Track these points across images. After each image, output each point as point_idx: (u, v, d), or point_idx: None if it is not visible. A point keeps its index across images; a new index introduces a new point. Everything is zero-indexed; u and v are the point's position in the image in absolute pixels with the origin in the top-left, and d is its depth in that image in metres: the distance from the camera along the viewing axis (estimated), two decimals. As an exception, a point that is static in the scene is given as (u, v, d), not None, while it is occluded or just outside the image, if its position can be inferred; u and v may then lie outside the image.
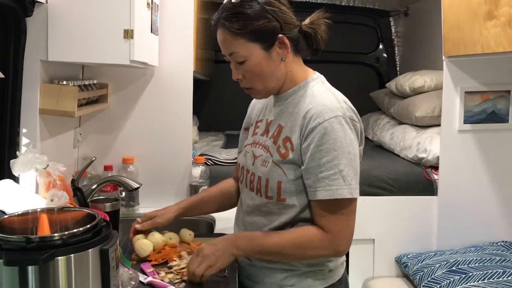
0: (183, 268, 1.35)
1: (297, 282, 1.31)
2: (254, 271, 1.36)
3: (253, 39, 1.23)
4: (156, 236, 1.52)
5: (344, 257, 1.38)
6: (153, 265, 1.40)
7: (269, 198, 1.30)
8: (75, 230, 1.02)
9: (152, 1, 1.86)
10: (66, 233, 1.01)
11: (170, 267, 1.38)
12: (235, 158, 2.43)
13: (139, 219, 1.55)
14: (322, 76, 1.36)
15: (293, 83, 1.32)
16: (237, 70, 1.29)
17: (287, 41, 1.26)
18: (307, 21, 1.31)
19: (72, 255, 0.98)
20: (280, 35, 1.25)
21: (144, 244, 1.47)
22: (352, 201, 1.23)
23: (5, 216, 1.13)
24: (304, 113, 1.24)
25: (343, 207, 1.22)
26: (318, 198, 1.21)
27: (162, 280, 1.30)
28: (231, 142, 3.32)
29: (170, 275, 1.34)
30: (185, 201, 1.61)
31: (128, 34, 1.60)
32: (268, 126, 1.35)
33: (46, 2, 1.60)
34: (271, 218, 1.31)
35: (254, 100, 1.52)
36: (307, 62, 1.38)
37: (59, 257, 0.96)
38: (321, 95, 1.26)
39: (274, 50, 1.26)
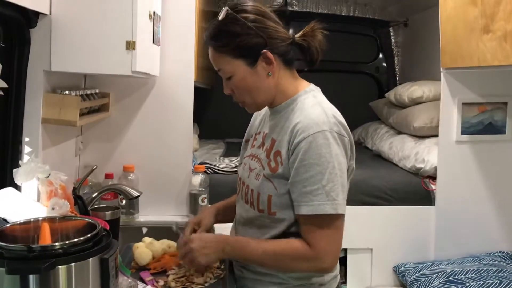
0: (181, 276, 1.36)
1: None
2: (246, 283, 1.37)
3: (237, 56, 1.26)
4: (155, 245, 1.54)
5: (337, 271, 1.38)
6: (152, 274, 1.42)
7: (261, 212, 1.30)
8: (75, 240, 1.04)
9: (154, 12, 1.89)
10: (67, 242, 1.03)
11: (169, 276, 1.40)
12: (235, 167, 2.45)
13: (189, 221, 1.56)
14: (316, 89, 1.36)
15: (285, 96, 1.32)
16: (227, 86, 1.32)
17: (271, 56, 1.26)
18: (300, 33, 1.32)
19: (72, 264, 1.00)
20: (264, 51, 1.26)
21: (144, 253, 1.50)
22: (337, 216, 1.21)
23: (7, 225, 1.15)
24: (292, 127, 1.25)
25: (327, 223, 1.21)
26: (301, 213, 1.21)
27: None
28: (231, 150, 3.34)
29: (169, 283, 1.35)
30: (220, 203, 1.61)
31: (130, 45, 1.62)
32: (264, 139, 1.36)
33: (50, 14, 1.63)
34: (264, 231, 1.31)
35: (255, 113, 1.53)
36: (307, 72, 1.37)
37: (60, 266, 0.98)
38: (309, 109, 1.26)
39: (259, 65, 1.27)
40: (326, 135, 1.20)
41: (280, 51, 1.29)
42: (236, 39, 1.25)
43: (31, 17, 1.59)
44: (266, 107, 1.41)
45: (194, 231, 1.51)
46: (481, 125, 2.34)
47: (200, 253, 1.27)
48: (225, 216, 1.57)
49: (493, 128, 2.35)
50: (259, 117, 1.49)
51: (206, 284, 1.35)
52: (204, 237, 1.34)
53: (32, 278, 0.96)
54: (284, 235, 1.29)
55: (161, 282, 1.36)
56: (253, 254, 1.27)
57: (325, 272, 1.30)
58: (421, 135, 2.70)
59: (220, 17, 1.27)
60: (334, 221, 1.21)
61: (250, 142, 1.46)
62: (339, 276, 1.40)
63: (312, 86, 1.36)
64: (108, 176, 2.13)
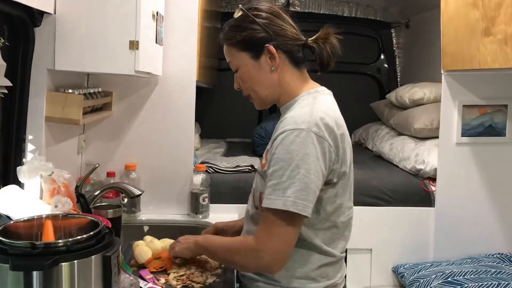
0: (182, 275, 1.38)
1: None
2: (244, 281, 1.39)
3: (242, 49, 1.32)
4: (155, 243, 1.56)
5: (338, 279, 1.35)
6: (152, 272, 1.44)
7: (256, 208, 1.34)
8: (79, 237, 1.05)
9: (157, 12, 1.90)
10: (70, 239, 1.04)
11: (169, 274, 1.41)
12: (236, 167, 2.46)
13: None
14: (323, 91, 1.35)
15: (289, 96, 1.34)
16: (236, 80, 1.38)
17: (273, 51, 1.30)
18: (313, 37, 1.34)
19: (75, 261, 1.01)
20: (267, 45, 1.30)
21: (143, 251, 1.51)
22: (289, 215, 1.18)
23: (11, 222, 1.17)
24: (279, 124, 1.29)
25: (272, 219, 1.19)
26: (261, 204, 1.24)
27: (162, 287, 1.33)
28: (232, 149, 3.35)
29: (170, 282, 1.37)
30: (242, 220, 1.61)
31: (134, 45, 1.64)
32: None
33: (55, 13, 1.64)
34: None
35: None
36: (310, 72, 1.39)
37: (63, 263, 0.99)
38: (299, 108, 1.27)
39: (263, 59, 1.31)
40: (300, 133, 1.19)
41: (287, 48, 1.32)
42: (242, 33, 1.31)
43: (36, 16, 1.60)
44: None
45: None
46: (481, 127, 2.35)
47: (178, 242, 1.45)
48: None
49: (493, 131, 2.36)
50: None
51: (206, 283, 1.37)
52: (186, 235, 1.49)
53: (35, 274, 0.97)
54: None
55: (162, 280, 1.38)
56: (212, 246, 1.36)
57: (267, 272, 1.28)
58: (421, 137, 2.71)
59: (235, 15, 1.35)
60: (285, 218, 1.19)
61: None
62: (341, 285, 1.37)
63: (319, 88, 1.36)
64: (110, 174, 2.15)
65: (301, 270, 1.29)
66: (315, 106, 1.27)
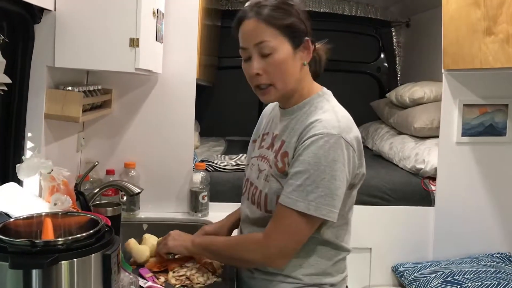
0: (182, 275, 1.37)
1: None
2: (255, 284, 1.38)
3: (285, 33, 1.25)
4: (151, 240, 1.55)
5: (346, 272, 1.39)
6: (152, 271, 1.43)
7: (269, 212, 1.31)
8: (78, 235, 1.05)
9: (157, 10, 1.89)
10: (70, 238, 1.04)
11: (169, 273, 1.40)
12: (236, 165, 2.46)
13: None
14: (328, 92, 1.37)
15: (300, 96, 1.33)
16: (259, 64, 1.26)
17: (311, 46, 1.30)
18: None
19: (75, 259, 1.01)
20: (306, 38, 1.29)
21: (140, 251, 1.50)
22: (306, 217, 1.20)
23: (11, 220, 1.16)
24: (302, 129, 1.26)
25: (291, 218, 1.20)
26: (279, 201, 1.23)
27: (161, 285, 1.33)
28: (232, 148, 3.35)
29: (169, 281, 1.36)
30: (232, 217, 1.63)
31: (134, 42, 1.63)
32: (274, 140, 1.37)
33: (54, 10, 1.63)
34: None
35: (263, 113, 1.54)
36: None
37: (62, 261, 0.99)
38: (325, 113, 1.27)
39: (300, 51, 1.29)
40: (329, 139, 1.20)
41: (314, 46, 1.34)
42: (290, 18, 1.26)
43: (36, 13, 1.59)
44: (276, 108, 1.43)
45: None
46: (481, 126, 2.35)
47: (171, 238, 1.42)
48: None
49: (494, 130, 2.36)
50: (266, 117, 1.50)
51: (206, 284, 1.36)
52: (178, 231, 1.46)
53: (35, 272, 0.97)
54: None
55: (162, 279, 1.37)
56: (213, 244, 1.35)
57: (269, 264, 1.29)
58: (421, 136, 2.71)
59: None
60: (303, 219, 1.20)
61: (258, 142, 1.47)
62: (347, 279, 1.41)
63: (324, 89, 1.38)
64: (109, 172, 2.14)
65: (319, 266, 1.31)
66: (336, 110, 1.29)
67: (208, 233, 1.57)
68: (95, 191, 1.77)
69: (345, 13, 3.81)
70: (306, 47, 1.29)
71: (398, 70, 3.98)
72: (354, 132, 1.26)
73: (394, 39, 3.97)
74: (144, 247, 1.52)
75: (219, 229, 1.59)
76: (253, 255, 1.27)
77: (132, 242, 1.54)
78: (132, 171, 2.15)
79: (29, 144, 1.66)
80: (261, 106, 3.83)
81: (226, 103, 3.89)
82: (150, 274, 1.40)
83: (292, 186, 1.20)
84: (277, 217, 1.24)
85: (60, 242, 1.02)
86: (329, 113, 1.26)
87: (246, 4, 1.30)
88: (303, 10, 1.31)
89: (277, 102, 1.42)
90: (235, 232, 1.60)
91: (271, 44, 1.24)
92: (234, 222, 1.59)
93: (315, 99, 1.32)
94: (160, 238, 1.51)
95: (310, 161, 1.19)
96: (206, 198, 2.20)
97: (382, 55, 4.09)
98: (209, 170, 2.39)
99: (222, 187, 2.34)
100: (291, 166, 1.23)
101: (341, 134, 1.21)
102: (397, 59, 3.98)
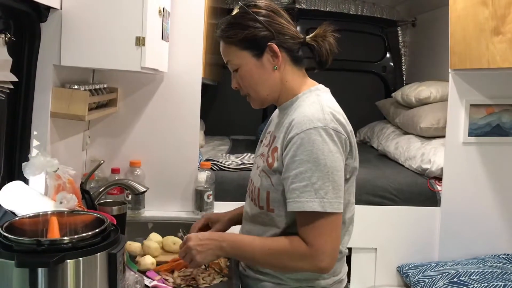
0: (188, 275, 1.37)
1: None
2: (248, 282, 1.38)
3: (244, 47, 1.29)
4: (151, 246, 1.55)
5: (342, 276, 1.36)
6: (158, 272, 1.43)
7: (261, 208, 1.31)
8: (84, 234, 1.05)
9: (163, 8, 1.89)
10: (76, 236, 1.04)
11: (174, 272, 1.40)
12: (241, 164, 2.45)
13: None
14: (324, 89, 1.36)
15: (290, 94, 1.33)
16: (234, 79, 1.35)
17: (276, 49, 1.28)
18: (311, 34, 1.33)
19: (81, 258, 1.01)
20: (269, 43, 1.28)
21: (148, 263, 1.49)
22: (329, 215, 1.18)
23: (17, 218, 1.16)
24: (288, 123, 1.26)
25: (320, 221, 1.18)
26: (289, 209, 1.21)
27: (167, 285, 1.32)
28: (237, 147, 3.34)
29: (175, 280, 1.36)
30: (238, 209, 1.60)
31: (140, 41, 1.63)
32: (270, 137, 1.38)
33: (61, 8, 1.64)
34: (265, 228, 1.31)
35: (273, 114, 1.53)
36: (313, 70, 1.38)
37: (68, 260, 0.99)
38: (307, 106, 1.26)
39: (265, 57, 1.29)
40: (320, 131, 1.19)
41: (288, 47, 1.31)
42: (244, 31, 1.28)
43: (42, 11, 1.59)
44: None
45: (207, 227, 1.54)
46: (488, 127, 2.33)
47: (196, 251, 1.26)
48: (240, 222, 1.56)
49: (501, 130, 2.34)
50: (273, 119, 1.50)
51: (212, 284, 1.36)
52: (200, 235, 1.32)
53: (40, 271, 0.97)
54: (284, 234, 1.27)
55: (170, 279, 1.37)
56: (249, 251, 1.26)
57: (323, 272, 1.26)
58: (427, 136, 2.69)
59: (234, 12, 1.32)
60: (327, 219, 1.19)
61: (263, 142, 1.47)
62: (345, 281, 1.38)
63: (319, 86, 1.37)
64: (114, 171, 2.14)
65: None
66: (323, 103, 1.27)
67: (212, 220, 1.56)
68: (101, 190, 1.78)
69: (351, 12, 3.81)
70: (272, 51, 1.29)
71: (404, 69, 3.97)
72: (341, 122, 1.25)
73: (400, 39, 3.95)
74: (151, 260, 1.50)
75: (221, 217, 1.58)
76: (301, 264, 1.23)
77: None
78: (138, 170, 2.15)
79: (35, 143, 1.66)
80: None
81: (231, 102, 3.88)
82: (159, 277, 1.39)
83: (298, 190, 1.18)
84: (302, 225, 1.21)
85: (66, 241, 1.02)
86: (314, 106, 1.25)
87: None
88: (268, 14, 1.30)
89: None
90: (233, 228, 1.59)
91: (234, 61, 1.31)
92: (236, 215, 1.58)
93: (305, 94, 1.32)
94: (182, 248, 1.35)
95: (308, 159, 1.18)
96: (211, 197, 2.19)
97: (388, 55, 4.08)
98: (214, 169, 2.39)
99: (227, 186, 2.33)
100: (287, 169, 1.21)
101: (328, 125, 1.20)
102: (403, 58, 3.96)
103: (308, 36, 1.33)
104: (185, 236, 1.35)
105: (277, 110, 1.44)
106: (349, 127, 1.28)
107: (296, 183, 1.18)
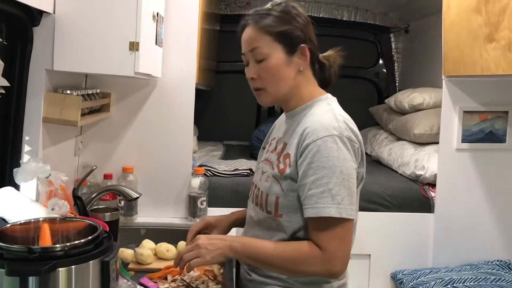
0: (182, 284, 1.35)
1: None
2: (254, 286, 1.37)
3: (278, 40, 1.29)
4: (149, 246, 1.54)
5: (345, 280, 1.37)
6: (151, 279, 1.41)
7: (268, 213, 1.31)
8: (76, 242, 1.03)
9: (157, 13, 1.88)
10: (68, 244, 1.02)
11: (167, 277, 1.39)
12: (234, 170, 2.44)
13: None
14: (332, 98, 1.38)
15: (300, 100, 1.35)
16: (253, 68, 1.32)
17: (307, 53, 1.31)
18: (325, 53, 1.39)
19: (73, 266, 0.99)
20: (302, 45, 1.30)
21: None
22: (344, 221, 1.20)
23: (8, 225, 1.14)
24: (302, 130, 1.27)
25: (335, 227, 1.20)
26: (306, 215, 1.22)
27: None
28: (230, 152, 3.33)
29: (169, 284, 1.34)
30: (236, 214, 1.60)
31: (134, 46, 1.62)
32: (277, 143, 1.39)
33: (54, 13, 1.62)
34: (271, 234, 1.31)
35: (275, 123, 1.54)
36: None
37: (60, 268, 0.97)
38: (321, 114, 1.29)
39: (295, 57, 1.31)
40: (335, 139, 1.21)
41: (314, 53, 1.35)
42: (285, 25, 1.29)
43: (35, 15, 1.58)
44: (283, 115, 1.45)
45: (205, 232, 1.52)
46: (481, 133, 2.34)
47: (206, 250, 1.24)
48: (239, 225, 1.57)
49: (494, 137, 2.35)
50: (277, 126, 1.52)
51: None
52: (211, 235, 1.32)
53: (32, 280, 0.95)
54: (291, 240, 1.28)
55: (162, 286, 1.35)
56: (262, 253, 1.25)
57: (334, 277, 1.28)
58: (421, 142, 2.70)
59: (276, 3, 1.33)
60: (342, 225, 1.20)
61: (266, 148, 1.48)
62: (348, 285, 1.39)
63: (328, 95, 1.39)
64: (107, 176, 2.12)
65: None
66: (335, 112, 1.30)
67: (210, 224, 1.54)
68: (93, 196, 1.76)
69: (344, 19, 3.82)
70: (303, 53, 1.31)
71: (396, 76, 3.98)
72: (354, 131, 1.28)
73: (393, 45, 3.97)
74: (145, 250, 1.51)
75: (220, 222, 1.57)
76: (314, 268, 1.23)
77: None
78: (130, 176, 2.13)
79: (26, 148, 1.64)
80: (260, 111, 3.84)
81: (224, 107, 3.88)
82: (153, 284, 1.38)
83: (315, 196, 1.20)
84: (316, 230, 1.22)
85: (58, 249, 1.00)
86: (328, 115, 1.28)
87: (249, 12, 1.35)
88: (305, 18, 1.33)
89: None
90: (233, 231, 1.59)
91: (263, 51, 1.29)
92: (235, 220, 1.57)
93: (316, 102, 1.34)
94: (189, 246, 1.32)
95: (325, 166, 1.20)
96: (204, 203, 2.18)
97: (380, 61, 4.09)
98: (208, 175, 2.38)
99: (220, 192, 2.32)
100: (304, 176, 1.22)
101: (343, 134, 1.23)
102: (395, 65, 3.98)
103: (322, 54, 1.38)
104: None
105: (282, 116, 1.46)
106: (360, 137, 1.30)
107: (313, 189, 1.20)
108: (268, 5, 1.33)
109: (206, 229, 1.54)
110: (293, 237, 1.28)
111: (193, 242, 1.27)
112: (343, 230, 1.21)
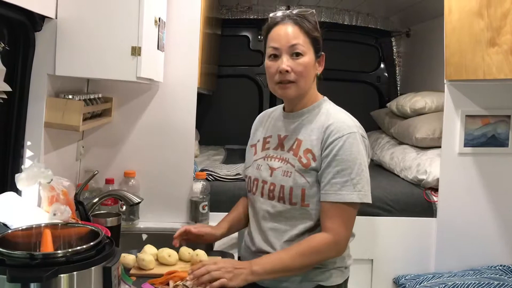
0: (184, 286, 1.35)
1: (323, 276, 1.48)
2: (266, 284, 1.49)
3: (312, 43, 1.47)
4: (148, 258, 1.54)
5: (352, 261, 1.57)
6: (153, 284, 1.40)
7: (294, 204, 1.45)
8: (78, 248, 1.03)
9: (159, 18, 1.88)
10: (69, 250, 1.02)
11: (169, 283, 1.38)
12: (236, 175, 2.44)
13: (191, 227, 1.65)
14: (328, 100, 1.56)
15: (308, 101, 1.52)
16: (289, 62, 1.44)
17: (323, 61, 1.51)
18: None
19: (75, 272, 0.99)
20: (323, 53, 1.51)
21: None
22: (355, 207, 1.41)
23: (9, 231, 1.14)
24: (324, 128, 1.44)
25: (348, 211, 1.40)
26: (328, 200, 1.39)
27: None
28: (231, 156, 3.33)
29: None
30: (226, 221, 1.69)
31: (136, 51, 1.62)
32: (283, 141, 1.52)
33: (56, 18, 1.62)
34: (293, 223, 1.46)
35: (256, 123, 1.69)
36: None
37: (62, 275, 0.97)
38: (338, 114, 1.48)
39: (317, 62, 1.50)
40: (356, 136, 1.42)
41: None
42: (316, 32, 1.48)
43: (37, 20, 1.58)
44: (275, 114, 1.61)
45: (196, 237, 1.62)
46: (484, 137, 2.34)
47: (232, 274, 1.33)
48: (230, 232, 1.69)
49: (496, 141, 2.34)
50: (261, 125, 1.65)
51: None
52: (228, 260, 1.45)
53: (33, 286, 0.95)
54: (312, 227, 1.45)
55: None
56: (279, 264, 1.38)
57: (340, 255, 1.46)
58: (423, 146, 2.69)
59: (307, 11, 1.49)
60: (354, 209, 1.42)
61: (259, 145, 1.60)
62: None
63: (325, 97, 1.56)
64: (108, 181, 2.11)
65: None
66: (345, 112, 1.50)
67: (204, 235, 1.62)
68: (95, 201, 1.75)
69: (346, 23, 3.83)
70: (322, 60, 1.51)
71: (398, 80, 3.98)
72: (362, 128, 1.48)
73: (394, 49, 3.97)
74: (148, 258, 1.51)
75: (216, 229, 1.66)
76: (328, 254, 1.42)
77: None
78: (132, 180, 2.13)
79: (28, 153, 1.64)
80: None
81: (226, 111, 3.88)
82: (153, 288, 1.37)
83: (339, 184, 1.39)
84: (332, 213, 1.40)
85: (59, 255, 1.00)
86: (343, 114, 1.48)
87: (280, 12, 1.50)
88: (322, 31, 1.51)
89: (271, 110, 1.66)
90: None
91: (303, 48, 1.45)
92: (227, 232, 1.67)
93: (322, 103, 1.53)
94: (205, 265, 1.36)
95: (349, 158, 1.39)
96: (206, 208, 2.17)
97: (382, 65, 4.09)
98: (210, 179, 2.37)
99: (222, 197, 2.31)
100: (328, 166, 1.40)
101: (359, 131, 1.44)
102: (397, 69, 3.98)
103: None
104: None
105: (275, 116, 1.60)
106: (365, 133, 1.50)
107: (337, 178, 1.39)
108: (298, 11, 1.48)
109: (196, 236, 1.62)
110: (316, 223, 1.45)
111: (215, 263, 1.36)
112: (352, 215, 1.42)
